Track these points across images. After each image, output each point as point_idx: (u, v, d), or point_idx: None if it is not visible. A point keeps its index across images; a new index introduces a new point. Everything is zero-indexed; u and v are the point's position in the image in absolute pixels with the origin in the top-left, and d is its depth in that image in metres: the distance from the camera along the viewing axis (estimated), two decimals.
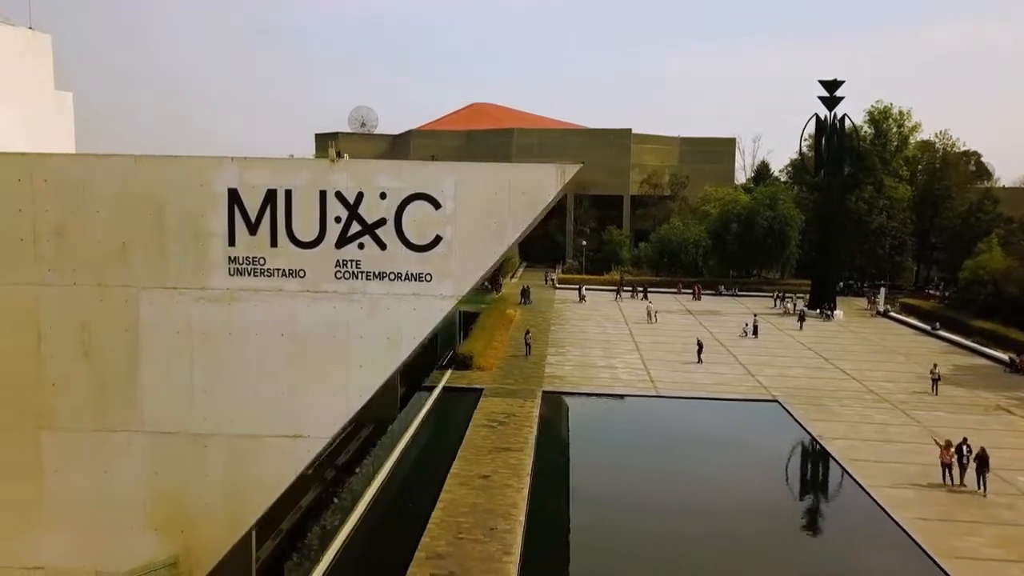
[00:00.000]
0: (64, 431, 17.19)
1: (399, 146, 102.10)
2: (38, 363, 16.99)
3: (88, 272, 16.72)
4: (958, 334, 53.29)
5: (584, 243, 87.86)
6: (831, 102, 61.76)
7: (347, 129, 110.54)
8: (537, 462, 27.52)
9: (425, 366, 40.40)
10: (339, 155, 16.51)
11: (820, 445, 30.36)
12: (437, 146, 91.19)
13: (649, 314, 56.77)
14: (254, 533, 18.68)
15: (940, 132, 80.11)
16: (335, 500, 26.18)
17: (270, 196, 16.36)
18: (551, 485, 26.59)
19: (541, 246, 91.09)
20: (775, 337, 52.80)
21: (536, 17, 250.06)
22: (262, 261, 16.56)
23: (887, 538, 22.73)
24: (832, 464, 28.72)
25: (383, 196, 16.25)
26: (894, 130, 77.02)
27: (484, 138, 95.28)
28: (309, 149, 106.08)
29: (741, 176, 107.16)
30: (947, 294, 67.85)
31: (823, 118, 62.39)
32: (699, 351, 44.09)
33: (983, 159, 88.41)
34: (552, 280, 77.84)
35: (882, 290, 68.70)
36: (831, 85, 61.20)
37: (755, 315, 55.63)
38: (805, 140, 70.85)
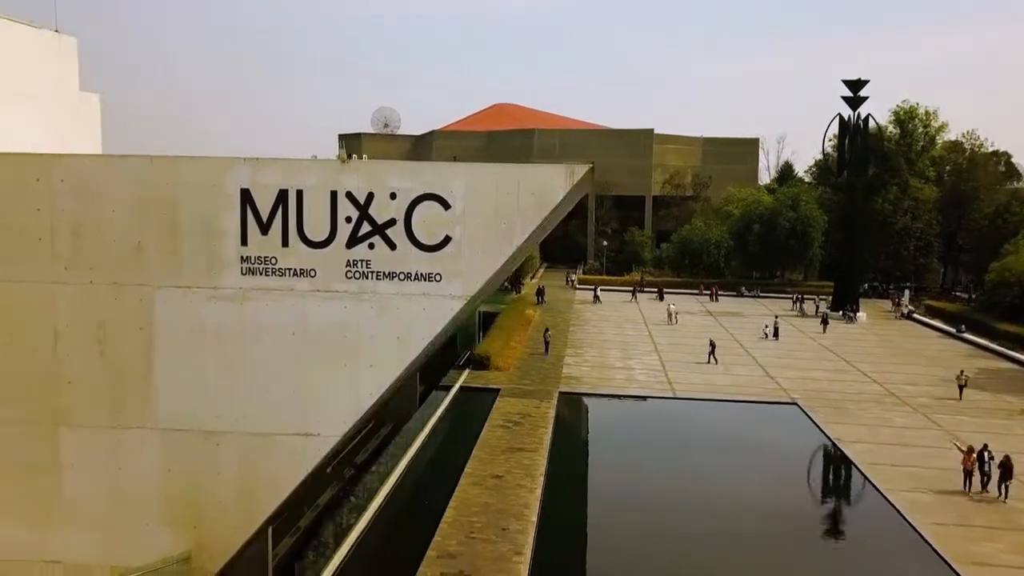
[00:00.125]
0: (80, 427, 17.47)
1: (421, 147, 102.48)
2: (55, 360, 17.29)
3: (104, 271, 16.98)
4: (983, 337, 52.50)
5: (605, 244, 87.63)
6: (855, 102, 61.09)
7: (370, 130, 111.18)
8: (551, 463, 27.53)
9: (445, 366, 40.57)
10: (350, 156, 16.65)
11: (839, 449, 30.07)
12: (459, 147, 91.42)
13: (669, 315, 56.51)
14: (270, 530, 18.87)
15: (967, 132, 79.04)
16: (352, 498, 26.38)
17: (282, 196, 16.51)
18: (565, 486, 26.58)
19: (562, 247, 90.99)
20: (796, 339, 52.35)
21: (560, 18, 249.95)
22: (274, 261, 16.72)
23: (903, 543, 22.48)
24: (850, 468, 28.45)
25: (393, 196, 16.34)
26: (920, 130, 75.97)
27: (505, 139, 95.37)
28: (333, 150, 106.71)
29: (765, 176, 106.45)
30: (973, 296, 66.88)
31: (847, 118, 61.73)
32: (711, 351, 43.91)
33: (1013, 160, 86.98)
34: (572, 281, 77.55)
35: (906, 292, 67.85)
36: (855, 85, 60.53)
37: (776, 317, 55.19)
38: (829, 140, 70.09)
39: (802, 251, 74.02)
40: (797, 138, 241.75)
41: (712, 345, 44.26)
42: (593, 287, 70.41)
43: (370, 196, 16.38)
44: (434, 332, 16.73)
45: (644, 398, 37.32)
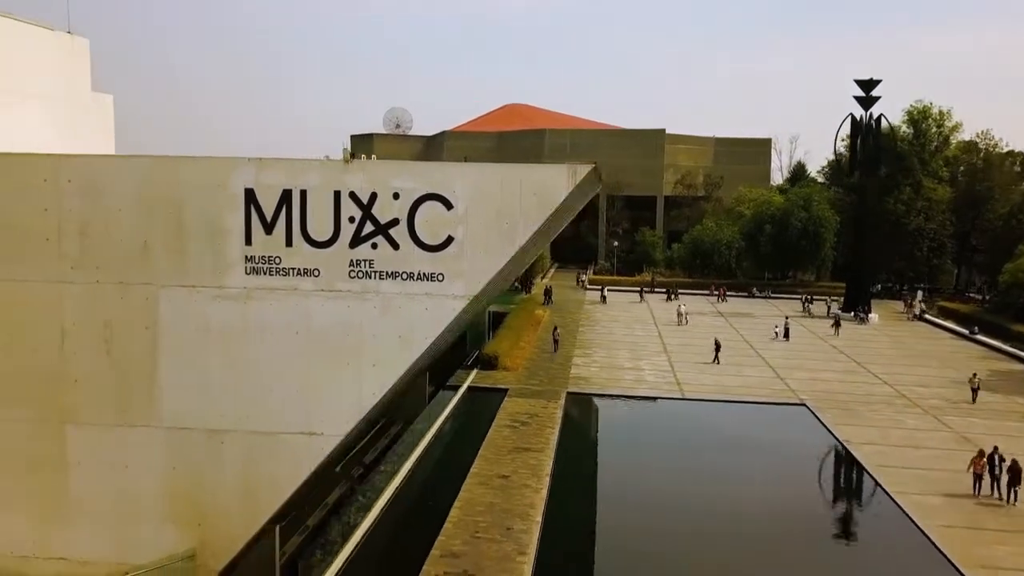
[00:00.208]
0: (87, 426, 17.63)
1: (433, 147, 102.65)
2: (62, 359, 17.45)
3: (110, 270, 17.13)
4: (997, 339, 52.07)
5: (616, 244, 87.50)
6: (867, 102, 60.71)
7: (382, 130, 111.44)
8: (558, 463, 27.52)
9: (454, 366, 40.62)
10: (353, 156, 16.71)
11: (847, 450, 29.90)
12: (470, 147, 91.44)
13: (679, 316, 56.35)
14: (278, 529, 18.96)
15: (982, 132, 78.39)
16: (360, 498, 26.45)
17: (286, 196, 16.60)
18: (571, 486, 26.56)
19: (573, 247, 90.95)
20: (807, 340, 52.09)
21: (568, 18, 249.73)
22: (278, 260, 16.81)
23: (911, 545, 22.33)
24: (859, 470, 28.28)
25: (396, 196, 16.40)
26: (934, 130, 75.41)
27: (516, 139, 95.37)
28: (340, 151, 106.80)
29: (778, 177, 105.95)
30: (987, 298, 66.34)
31: (858, 118, 61.36)
32: (716, 351, 43.91)
33: None
34: (583, 281, 77.28)
35: (919, 293, 67.38)
36: (867, 84, 60.15)
37: (787, 318, 54.93)
38: (842, 140, 69.67)
39: (814, 252, 73.67)
40: (810, 138, 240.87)
41: (717, 345, 44.23)
42: (600, 287, 70.35)
43: (373, 196, 16.44)
44: (437, 332, 16.77)
45: (652, 399, 37.25)
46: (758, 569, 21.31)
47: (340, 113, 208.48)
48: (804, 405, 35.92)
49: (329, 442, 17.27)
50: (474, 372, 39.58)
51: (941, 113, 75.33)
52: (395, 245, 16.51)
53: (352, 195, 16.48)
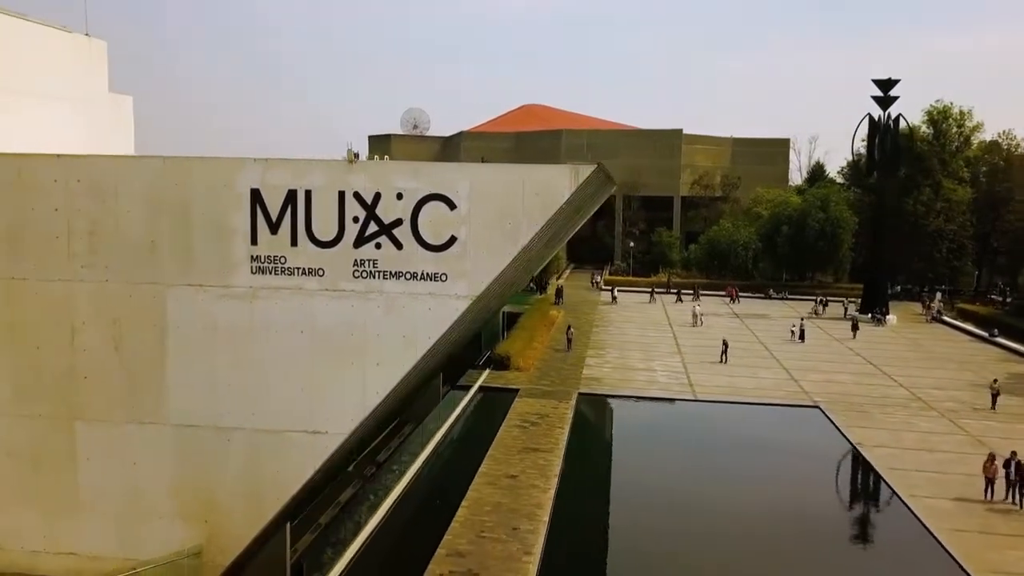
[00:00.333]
0: (96, 422, 17.91)
1: (450, 148, 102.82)
2: (72, 356, 17.74)
3: (119, 269, 17.38)
4: (1017, 341, 51.39)
5: (632, 245, 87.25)
6: (885, 102, 60.16)
7: (400, 131, 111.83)
8: (567, 463, 27.51)
9: (468, 366, 40.71)
10: (357, 156, 16.84)
11: (859, 452, 29.66)
12: (487, 148, 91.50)
13: (694, 316, 56.12)
14: (288, 526, 19.13)
15: (1004, 132, 77.41)
16: (371, 496, 26.56)
17: (291, 196, 16.78)
18: (579, 486, 26.55)
19: (589, 247, 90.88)
20: (822, 342, 51.70)
21: (589, 19, 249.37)
22: (283, 260, 16.99)
23: (922, 549, 22.12)
24: (870, 472, 28.05)
25: (400, 197, 16.52)
26: (954, 130, 74.55)
27: (533, 140, 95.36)
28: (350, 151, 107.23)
29: (797, 177, 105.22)
30: (1007, 300, 65.52)
31: (876, 118, 60.82)
32: (724, 351, 43.92)
33: None
34: (597, 282, 76.83)
35: (937, 294, 66.67)
36: (885, 84, 59.60)
37: (802, 319, 54.57)
38: (861, 140, 69.08)
39: (831, 253, 73.07)
40: (831, 138, 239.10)
41: (725, 345, 44.34)
42: (611, 288, 70.22)
43: (377, 196, 16.58)
44: (440, 331, 16.88)
45: (664, 400, 37.12)
46: (763, 571, 21.21)
47: (357, 114, 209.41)
48: (817, 407, 35.66)
49: (334, 440, 17.42)
50: (486, 372, 39.63)
51: (962, 113, 74.46)
52: (399, 245, 16.64)
53: (356, 195, 16.62)
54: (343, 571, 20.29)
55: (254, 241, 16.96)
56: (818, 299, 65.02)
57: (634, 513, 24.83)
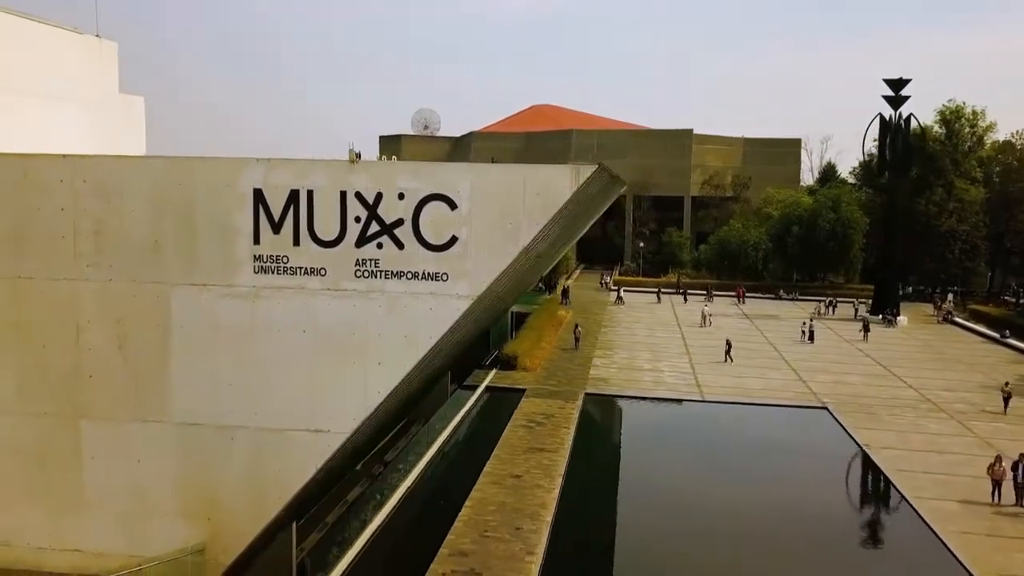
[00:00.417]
0: (101, 420, 18.07)
1: (461, 148, 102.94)
2: (77, 355, 17.92)
3: (123, 269, 17.54)
4: None
5: (642, 245, 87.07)
6: (896, 101, 59.77)
7: (410, 131, 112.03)
8: (571, 463, 27.46)
9: (476, 365, 40.74)
10: (359, 156, 16.92)
11: (866, 454, 29.49)
12: (497, 148, 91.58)
13: (703, 317, 55.95)
14: (295, 525, 19.25)
15: (1018, 132, 76.77)
16: (378, 496, 26.64)
17: (293, 196, 16.88)
18: (583, 486, 26.49)
19: (599, 247, 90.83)
20: (832, 343, 51.44)
21: (600, 20, 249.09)
22: (285, 259, 17.09)
23: (927, 551, 21.96)
24: (876, 474, 27.88)
25: (401, 197, 16.60)
26: (967, 130, 74.02)
27: (543, 140, 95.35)
28: (373, 152, 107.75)
29: (808, 177, 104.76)
30: (1021, 301, 64.99)
31: (888, 118, 60.44)
32: (728, 350, 43.99)
33: None
34: (607, 283, 76.41)
35: (949, 295, 66.18)
36: (896, 84, 59.20)
37: (811, 320, 54.30)
38: (873, 140, 68.66)
39: (842, 253, 72.69)
40: (843, 138, 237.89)
41: (728, 345, 44.42)
42: (616, 288, 70.05)
43: (379, 196, 16.66)
44: (441, 331, 16.94)
45: (671, 400, 37.03)
46: (764, 573, 21.12)
47: (360, 115, 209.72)
48: (825, 408, 35.47)
49: (336, 439, 17.52)
50: (493, 372, 39.63)
51: (974, 113, 73.93)
52: (400, 245, 16.71)
53: (358, 195, 16.71)
54: (346, 570, 20.33)
55: (257, 241, 17.08)
56: (827, 300, 64.59)
57: (638, 513, 24.78)
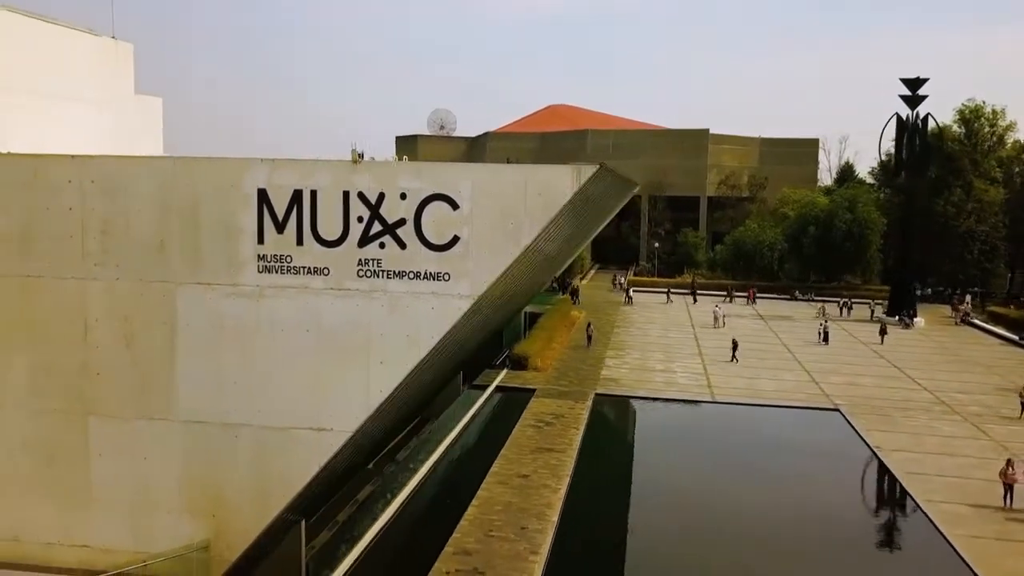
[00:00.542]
0: (108, 418, 18.27)
1: (476, 148, 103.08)
2: (85, 353, 18.13)
3: (130, 268, 17.73)
4: None
5: (657, 245, 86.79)
6: (913, 101, 59.20)
7: (426, 131, 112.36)
8: (579, 464, 27.48)
9: (490, 365, 40.83)
10: (361, 156, 17.01)
11: (877, 456, 29.27)
12: (512, 148, 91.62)
13: (716, 318, 55.71)
14: (303, 523, 19.37)
15: None
16: (388, 494, 26.74)
17: (296, 196, 16.99)
18: (590, 487, 26.49)
19: (614, 247, 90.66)
20: (847, 344, 51.06)
21: (618, 20, 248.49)
22: (289, 259, 17.21)
23: (936, 555, 21.77)
24: (886, 477, 27.67)
25: (403, 197, 16.66)
26: (986, 130, 73.16)
27: (558, 140, 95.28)
28: (389, 152, 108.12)
29: (826, 178, 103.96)
30: None
31: (905, 118, 59.88)
32: (734, 350, 43.98)
33: None
34: (620, 283, 75.64)
35: (968, 296, 65.46)
36: (913, 83, 58.62)
37: (825, 321, 53.94)
38: (891, 140, 67.96)
39: (859, 254, 72.09)
40: (862, 138, 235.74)
41: (735, 344, 44.43)
42: (626, 288, 69.85)
43: (381, 196, 16.73)
44: (443, 331, 16.99)
45: (681, 401, 36.92)
46: (770, 574, 21.01)
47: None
48: (838, 410, 35.23)
49: (338, 438, 17.61)
50: (504, 372, 39.69)
51: (994, 112, 73.07)
52: (402, 245, 16.78)
53: (361, 195, 16.80)
54: (349, 569, 20.46)
55: (261, 240, 17.21)
56: (840, 301, 63.98)
57: (645, 514, 24.73)
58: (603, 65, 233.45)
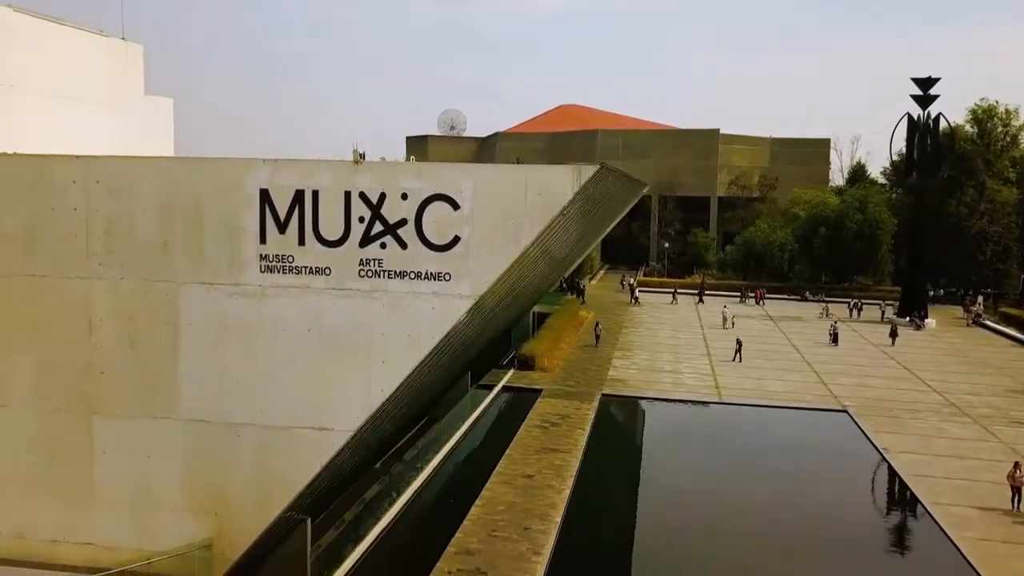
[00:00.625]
0: (112, 417, 18.39)
1: (486, 148, 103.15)
2: (89, 352, 18.26)
3: (134, 267, 17.85)
4: None
5: (667, 246, 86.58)
6: (925, 101, 58.80)
7: (436, 132, 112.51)
8: (584, 464, 27.44)
9: (496, 365, 40.84)
10: (363, 156, 17.05)
11: (884, 458, 29.08)
12: (522, 148, 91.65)
13: (724, 319, 55.51)
14: (309, 522, 19.42)
15: None
16: (393, 494, 26.79)
17: (298, 196, 17.06)
18: (594, 487, 26.44)
19: (624, 247, 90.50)
20: (856, 345, 50.78)
21: (629, 20, 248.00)
22: (291, 259, 17.28)
23: (941, 558, 21.62)
24: (893, 479, 27.49)
25: (404, 197, 16.70)
26: (999, 129, 72.57)
27: (568, 140, 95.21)
28: (399, 152, 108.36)
29: (838, 178, 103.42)
30: None
31: (916, 117, 59.48)
32: (737, 349, 44.07)
33: None
34: (631, 284, 74.99)
35: (979, 297, 64.96)
36: (925, 83, 58.23)
37: (835, 322, 53.67)
38: (902, 140, 67.61)
39: (870, 255, 71.66)
40: (875, 138, 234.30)
41: (739, 344, 44.57)
42: (631, 288, 69.66)
43: (382, 196, 16.78)
44: (444, 331, 17.01)
45: (688, 402, 36.82)
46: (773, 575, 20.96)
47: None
48: (845, 412, 35.04)
49: (340, 437, 17.66)
50: (510, 372, 39.67)
51: (1007, 112, 72.47)
52: (403, 245, 16.82)
53: (362, 195, 16.84)
54: (352, 568, 20.49)
55: (263, 240, 17.29)
56: (850, 302, 63.57)
57: (650, 514, 24.68)
58: (611, 65, 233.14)
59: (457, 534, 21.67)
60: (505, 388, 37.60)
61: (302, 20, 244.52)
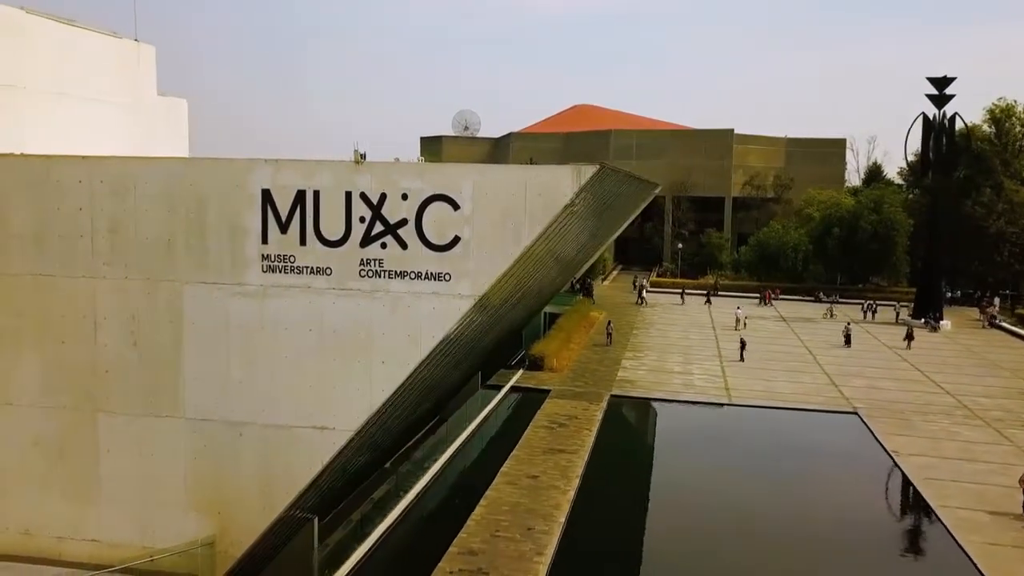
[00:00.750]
0: (117, 415, 18.55)
1: (500, 149, 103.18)
2: (94, 350, 18.42)
3: (138, 267, 18.00)
4: None
5: (680, 246, 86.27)
6: (940, 100, 58.24)
7: (451, 132, 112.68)
8: (590, 465, 27.38)
9: (507, 365, 40.87)
10: (363, 157, 17.11)
11: (894, 461, 28.83)
12: (535, 148, 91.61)
13: (737, 320, 55.22)
14: (316, 521, 19.51)
15: None
16: (400, 493, 26.85)
17: (300, 197, 17.14)
18: (599, 488, 26.38)
19: (638, 248, 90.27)
20: (869, 347, 50.36)
21: (644, 20, 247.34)
22: (292, 259, 17.36)
23: (949, 562, 21.40)
24: (902, 482, 27.25)
25: (405, 197, 16.74)
26: (1017, 129, 71.75)
27: (581, 140, 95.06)
28: (412, 153, 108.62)
29: (854, 178, 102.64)
30: None
31: (931, 117, 58.92)
32: (742, 349, 44.27)
33: None
34: (643, 285, 74.07)
35: (996, 299, 64.25)
36: (940, 82, 57.66)
37: (848, 323, 53.26)
38: (918, 140, 66.87)
39: (885, 255, 71.05)
40: (891, 139, 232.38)
41: (743, 343, 44.77)
42: (638, 288, 69.38)
43: (383, 197, 16.83)
44: (444, 331, 17.04)
45: (697, 403, 36.66)
46: None
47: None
48: (856, 414, 34.77)
49: (341, 436, 17.72)
50: (520, 372, 39.66)
51: None
52: (404, 245, 16.86)
53: (363, 196, 16.90)
54: (354, 567, 20.54)
55: (265, 240, 17.38)
56: (865, 305, 63.02)
57: (654, 516, 24.60)
58: (626, 65, 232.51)
59: (460, 534, 21.68)
60: (514, 388, 37.60)
61: (303, 20, 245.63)
